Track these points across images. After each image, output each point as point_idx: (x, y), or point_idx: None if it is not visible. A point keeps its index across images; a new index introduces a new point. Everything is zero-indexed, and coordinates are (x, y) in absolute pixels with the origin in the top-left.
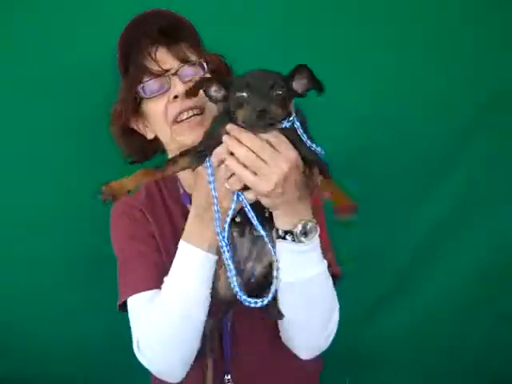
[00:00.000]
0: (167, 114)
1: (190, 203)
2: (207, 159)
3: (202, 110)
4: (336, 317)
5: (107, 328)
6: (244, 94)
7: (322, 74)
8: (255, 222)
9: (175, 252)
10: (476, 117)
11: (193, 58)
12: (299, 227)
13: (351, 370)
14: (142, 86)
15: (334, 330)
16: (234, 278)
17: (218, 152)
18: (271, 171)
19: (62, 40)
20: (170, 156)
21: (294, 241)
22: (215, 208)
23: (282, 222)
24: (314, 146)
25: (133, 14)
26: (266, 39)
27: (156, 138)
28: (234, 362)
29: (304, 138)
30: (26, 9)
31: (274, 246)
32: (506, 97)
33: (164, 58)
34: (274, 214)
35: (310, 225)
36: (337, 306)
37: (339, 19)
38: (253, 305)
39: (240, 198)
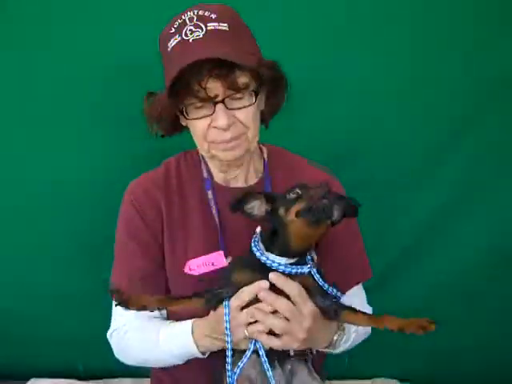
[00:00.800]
0: (206, 135)
1: (213, 190)
2: (225, 299)
3: (239, 137)
4: None
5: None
6: (297, 190)
7: (323, 57)
8: (270, 373)
9: (181, 239)
10: (476, 104)
11: (243, 80)
12: (336, 345)
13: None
14: (185, 108)
15: None
16: None
17: (242, 297)
18: (296, 330)
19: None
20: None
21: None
22: (228, 351)
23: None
24: (330, 289)
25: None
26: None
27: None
28: None
29: (321, 282)
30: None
31: None
32: (506, 84)
33: (212, 85)
34: None
35: (340, 336)
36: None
37: (339, 4)
38: None
39: (257, 345)
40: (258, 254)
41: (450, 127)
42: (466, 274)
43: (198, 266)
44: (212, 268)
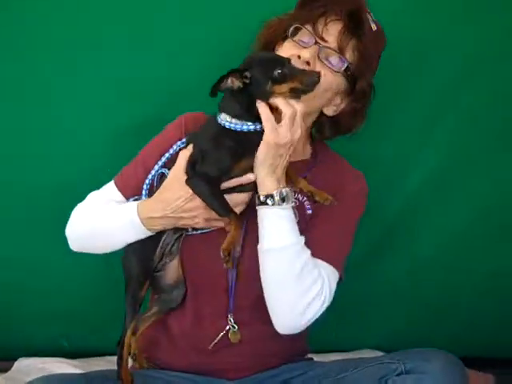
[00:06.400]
0: None
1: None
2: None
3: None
4: (313, 295)
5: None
6: (284, 70)
7: None
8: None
9: None
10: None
11: (349, 53)
12: (280, 191)
13: (338, 325)
14: (293, 26)
15: (312, 313)
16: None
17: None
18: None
19: None
20: None
21: (273, 205)
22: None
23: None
24: None
25: None
26: None
27: None
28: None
29: None
30: None
31: None
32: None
33: (331, 31)
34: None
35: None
36: (316, 287)
37: None
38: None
39: None
40: (238, 126)
41: (448, 85)
42: (457, 242)
43: None
44: None
